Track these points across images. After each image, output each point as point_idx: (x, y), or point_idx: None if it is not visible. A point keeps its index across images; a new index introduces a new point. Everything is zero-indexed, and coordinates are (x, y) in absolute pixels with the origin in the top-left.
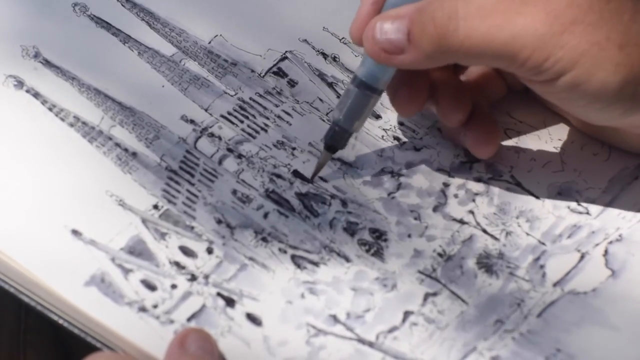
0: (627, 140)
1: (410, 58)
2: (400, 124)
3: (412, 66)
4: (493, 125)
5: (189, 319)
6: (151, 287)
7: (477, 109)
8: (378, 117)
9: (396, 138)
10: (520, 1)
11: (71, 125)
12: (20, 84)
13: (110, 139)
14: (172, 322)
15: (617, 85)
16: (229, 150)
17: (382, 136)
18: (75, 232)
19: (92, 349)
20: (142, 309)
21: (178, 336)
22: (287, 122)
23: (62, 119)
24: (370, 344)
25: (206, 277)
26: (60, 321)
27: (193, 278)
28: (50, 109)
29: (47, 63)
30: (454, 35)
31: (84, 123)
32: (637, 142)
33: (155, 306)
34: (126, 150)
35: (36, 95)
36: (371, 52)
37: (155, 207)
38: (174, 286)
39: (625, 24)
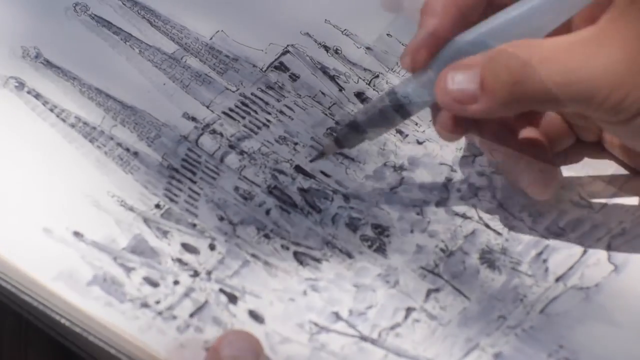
0: None
1: (483, 107)
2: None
3: (486, 115)
4: (549, 170)
5: (191, 315)
6: (153, 283)
7: (539, 154)
8: None
9: (398, 131)
10: (596, 43)
11: (72, 126)
12: (21, 85)
13: (112, 138)
14: (174, 317)
15: None
16: (231, 146)
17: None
18: (77, 234)
19: (92, 348)
20: (145, 305)
21: (216, 340)
22: (289, 116)
23: (64, 120)
24: (373, 341)
25: (209, 273)
26: (63, 321)
27: (195, 274)
28: (51, 110)
29: (48, 63)
30: (530, 81)
31: (85, 123)
32: None
33: (157, 302)
34: (128, 150)
35: (37, 96)
36: (443, 103)
37: (157, 206)
38: (176, 282)
39: None
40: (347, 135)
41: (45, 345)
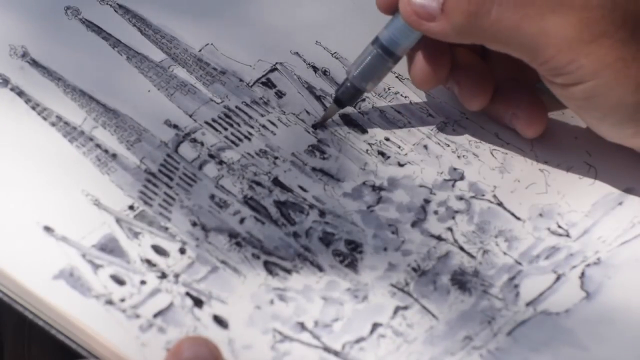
0: None
1: (438, 27)
2: (386, 139)
3: (439, 36)
4: (538, 103)
5: (155, 315)
6: (120, 281)
7: (519, 87)
8: (364, 131)
9: (380, 153)
10: (558, 1)
11: (53, 124)
12: (5, 81)
13: (91, 139)
14: (138, 316)
15: (633, 104)
16: (211, 156)
17: (367, 150)
18: (47, 229)
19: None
20: (109, 302)
21: (173, 346)
22: (272, 131)
23: (44, 118)
24: (336, 353)
25: (176, 276)
26: (26, 313)
27: (163, 276)
28: (33, 108)
29: (34, 63)
30: (486, 16)
31: (66, 123)
32: None
33: (122, 300)
34: (106, 151)
35: (20, 93)
36: (405, 14)
37: (131, 207)
38: (143, 282)
39: None
40: (345, 93)
41: (48, 342)
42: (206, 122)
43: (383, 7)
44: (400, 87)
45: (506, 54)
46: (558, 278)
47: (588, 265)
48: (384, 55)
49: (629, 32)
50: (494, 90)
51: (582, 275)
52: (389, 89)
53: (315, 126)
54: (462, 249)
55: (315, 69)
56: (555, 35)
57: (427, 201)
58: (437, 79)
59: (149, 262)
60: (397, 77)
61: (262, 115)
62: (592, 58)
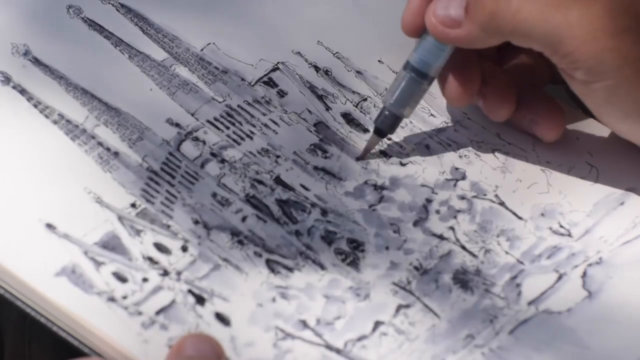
0: None
1: (465, 32)
2: (388, 139)
3: (467, 41)
4: (555, 106)
5: (157, 312)
6: (122, 279)
7: (534, 92)
8: (366, 130)
9: (382, 152)
10: None
11: (55, 122)
12: (7, 79)
13: (93, 137)
14: (140, 313)
15: None
16: (213, 154)
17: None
18: (49, 226)
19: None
20: (111, 299)
21: (176, 343)
22: (274, 130)
23: (47, 116)
24: (338, 351)
25: (178, 273)
26: (28, 310)
27: (165, 273)
28: (35, 106)
29: (37, 61)
30: (507, 10)
31: (68, 121)
32: None
33: (124, 297)
34: (108, 149)
35: (22, 91)
36: (430, 26)
37: (133, 205)
38: (145, 279)
39: None
40: (384, 123)
41: (49, 340)
42: (208, 121)
43: (409, 31)
44: None
45: (520, 61)
46: (560, 277)
47: (590, 264)
48: (418, 78)
49: None
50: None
51: (584, 274)
52: None
53: (358, 159)
54: (464, 248)
55: (317, 68)
56: (579, 26)
57: (429, 200)
58: (470, 95)
59: (151, 260)
60: None
61: (264, 114)
62: (616, 53)
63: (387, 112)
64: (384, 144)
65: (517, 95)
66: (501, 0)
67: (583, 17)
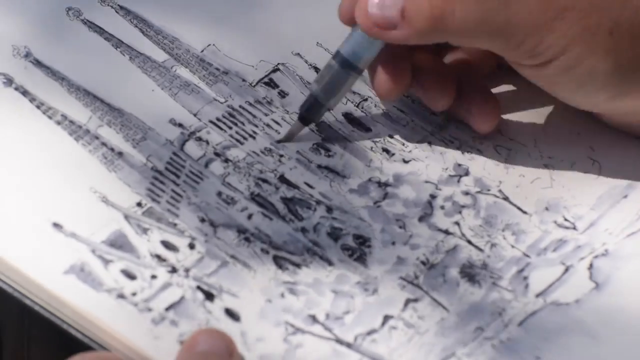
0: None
1: (401, 35)
2: (390, 137)
3: (403, 42)
4: (491, 98)
5: (167, 309)
6: (131, 276)
7: (472, 83)
8: (368, 129)
9: (385, 150)
10: None
11: (58, 123)
12: (9, 81)
13: (97, 138)
14: (150, 310)
15: (606, 70)
16: (216, 154)
17: (372, 147)
18: (56, 225)
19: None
20: (121, 296)
21: (189, 338)
22: (276, 130)
23: (50, 117)
24: (348, 345)
25: (187, 270)
26: (36, 307)
27: (173, 270)
28: (38, 107)
29: (38, 63)
30: (450, 18)
31: (71, 122)
32: (619, 125)
33: (134, 294)
34: (112, 149)
35: (25, 93)
36: (364, 26)
37: (139, 204)
38: (153, 276)
39: (616, 11)
40: (309, 110)
41: (48, 341)
42: (210, 121)
43: (345, 19)
44: None
45: (458, 50)
46: (566, 270)
47: (596, 256)
48: (347, 69)
49: (587, 0)
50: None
51: (591, 266)
52: None
53: (279, 141)
54: (470, 242)
55: (317, 69)
56: (520, 21)
57: (433, 196)
58: (401, 88)
59: (158, 257)
60: None
61: (266, 115)
62: (559, 34)
63: (312, 100)
64: (386, 141)
65: (455, 84)
66: (443, 9)
67: (522, 11)
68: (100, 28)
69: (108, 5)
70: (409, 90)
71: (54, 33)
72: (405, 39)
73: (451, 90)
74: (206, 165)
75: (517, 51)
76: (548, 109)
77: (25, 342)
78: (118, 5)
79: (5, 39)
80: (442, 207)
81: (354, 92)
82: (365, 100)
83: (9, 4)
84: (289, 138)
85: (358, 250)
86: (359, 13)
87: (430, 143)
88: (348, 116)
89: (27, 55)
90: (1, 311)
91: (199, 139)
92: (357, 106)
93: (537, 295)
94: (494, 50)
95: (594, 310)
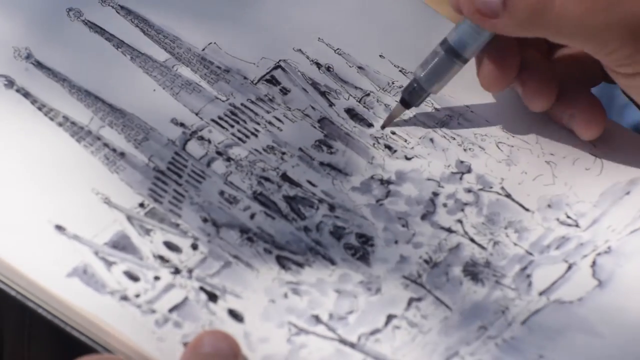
0: None
1: (502, 24)
2: (392, 133)
3: (503, 32)
4: (596, 105)
5: (170, 310)
6: (134, 278)
7: (578, 89)
8: (370, 125)
9: (387, 147)
10: None
11: (60, 124)
12: (10, 83)
13: (99, 139)
14: (153, 311)
15: None
16: (218, 153)
17: (374, 144)
18: (59, 227)
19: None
20: (124, 298)
21: (193, 340)
22: (278, 127)
23: (51, 119)
24: (352, 345)
25: (190, 271)
26: (40, 310)
27: (176, 271)
28: (39, 109)
29: (39, 64)
30: (549, 10)
31: (73, 123)
32: None
33: (137, 295)
34: (114, 150)
35: (26, 95)
36: (467, 12)
37: (141, 205)
38: (157, 278)
39: None
40: (412, 95)
41: (48, 341)
42: (212, 120)
43: (455, 8)
44: (404, 81)
45: (570, 54)
46: (569, 267)
47: (599, 254)
48: (452, 57)
49: None
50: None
51: (594, 264)
52: (392, 83)
53: (383, 127)
54: (472, 240)
55: (318, 65)
56: (619, 27)
57: (435, 194)
58: (506, 81)
59: (161, 258)
60: (400, 71)
61: (268, 112)
62: None
63: (415, 85)
64: (388, 138)
65: (558, 88)
66: (543, 0)
67: (622, 19)
68: (101, 28)
69: (109, 5)
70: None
71: (55, 34)
72: (505, 29)
73: (552, 91)
74: (208, 164)
75: (611, 57)
76: None
77: (26, 342)
78: (119, 5)
79: (5, 40)
80: (445, 205)
81: (356, 87)
82: (368, 95)
83: (9, 5)
84: (389, 122)
85: (361, 249)
86: (464, 0)
87: (432, 140)
88: (350, 112)
89: (28, 56)
90: (1, 311)
91: (201, 138)
92: (359, 102)
93: (541, 294)
94: (588, 52)
95: (597, 308)
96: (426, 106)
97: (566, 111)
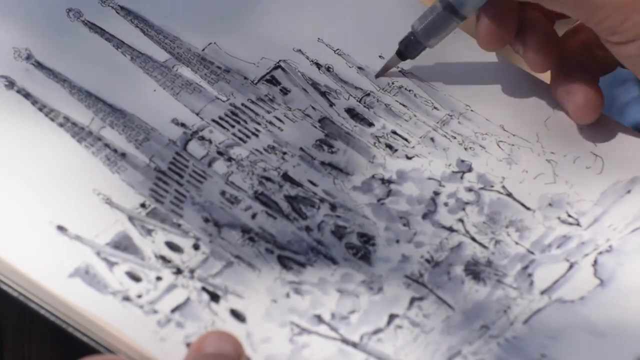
0: None
1: None
2: (393, 132)
3: None
4: (597, 94)
5: (172, 311)
6: (136, 278)
7: (583, 74)
8: (371, 124)
9: (388, 146)
10: None
11: (61, 125)
12: (11, 84)
13: (100, 139)
14: (155, 312)
15: None
16: (219, 153)
17: (374, 143)
18: (60, 228)
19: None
20: (126, 299)
21: (197, 340)
22: (279, 127)
23: (52, 119)
24: (354, 345)
25: (192, 271)
26: (42, 311)
27: (178, 272)
28: (40, 109)
29: (39, 65)
30: None
31: (74, 123)
32: None
33: (139, 296)
34: (115, 150)
35: (27, 95)
36: None
37: (143, 205)
38: (159, 278)
39: None
40: (408, 47)
41: (48, 342)
42: (213, 120)
43: None
44: (404, 81)
45: (580, 40)
46: (571, 266)
47: (600, 253)
48: (450, 14)
49: None
50: (560, 63)
51: (595, 263)
52: (393, 83)
53: (377, 75)
54: (474, 239)
55: (318, 65)
56: None
57: (436, 193)
58: (503, 40)
59: (163, 259)
60: (400, 71)
61: (269, 112)
62: None
63: (412, 38)
64: (389, 137)
65: (560, 51)
66: None
67: None
68: (101, 29)
69: (108, 6)
70: (511, 45)
71: (55, 35)
72: None
73: (552, 54)
74: (209, 164)
75: (602, 25)
76: (550, 104)
77: (26, 341)
78: (119, 5)
79: (6, 41)
80: (446, 204)
81: (356, 87)
82: (368, 95)
83: (9, 6)
84: (384, 72)
85: (362, 249)
86: None
87: (433, 139)
88: (351, 111)
89: (29, 57)
90: (1, 311)
91: (202, 138)
92: (360, 101)
93: (542, 293)
94: (579, 19)
95: (599, 307)
96: (426, 105)
97: (565, 90)
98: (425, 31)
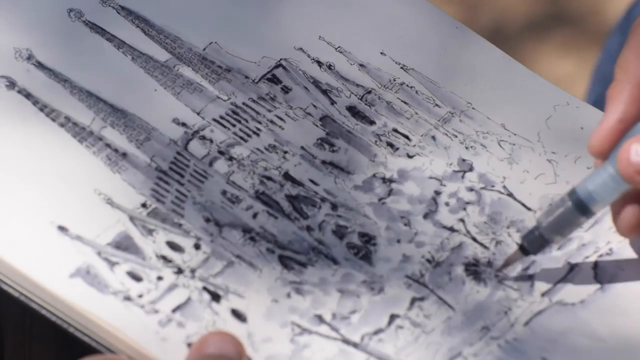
0: None
1: None
2: (394, 130)
3: None
4: None
5: (174, 310)
6: (137, 278)
7: None
8: (372, 122)
9: (389, 144)
10: None
11: (62, 125)
12: (12, 84)
13: (101, 139)
14: (156, 312)
15: None
16: (220, 152)
17: (376, 142)
18: (61, 228)
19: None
20: (127, 298)
21: (198, 340)
22: (280, 126)
23: (53, 120)
24: (355, 345)
25: (193, 271)
26: (43, 312)
27: (179, 271)
28: (41, 110)
29: (40, 65)
30: None
31: (75, 124)
32: None
33: (140, 296)
34: (116, 150)
35: (28, 96)
36: (624, 174)
37: (144, 205)
38: (159, 278)
39: None
40: (532, 242)
41: (49, 342)
42: (214, 119)
43: (596, 153)
44: (405, 77)
45: None
46: (571, 269)
47: (600, 256)
48: (579, 211)
49: None
50: None
51: (595, 266)
52: (394, 80)
53: (499, 269)
54: (475, 239)
55: (319, 63)
56: None
57: (437, 193)
58: None
59: (164, 258)
60: (401, 68)
61: (270, 111)
62: None
63: (536, 233)
64: (390, 135)
65: None
66: None
67: None
68: (102, 29)
69: (109, 6)
70: None
71: (56, 35)
72: None
73: None
74: (210, 163)
75: None
76: (552, 104)
77: (27, 341)
78: (119, 5)
79: (6, 41)
80: (447, 204)
81: (358, 85)
82: (369, 93)
83: (9, 6)
84: (506, 266)
85: (363, 249)
86: (622, 162)
87: (434, 137)
88: (352, 110)
89: (29, 57)
90: (1, 311)
91: (203, 137)
92: (361, 99)
93: (543, 295)
94: None
95: (599, 311)
96: (428, 103)
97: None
98: (551, 228)
